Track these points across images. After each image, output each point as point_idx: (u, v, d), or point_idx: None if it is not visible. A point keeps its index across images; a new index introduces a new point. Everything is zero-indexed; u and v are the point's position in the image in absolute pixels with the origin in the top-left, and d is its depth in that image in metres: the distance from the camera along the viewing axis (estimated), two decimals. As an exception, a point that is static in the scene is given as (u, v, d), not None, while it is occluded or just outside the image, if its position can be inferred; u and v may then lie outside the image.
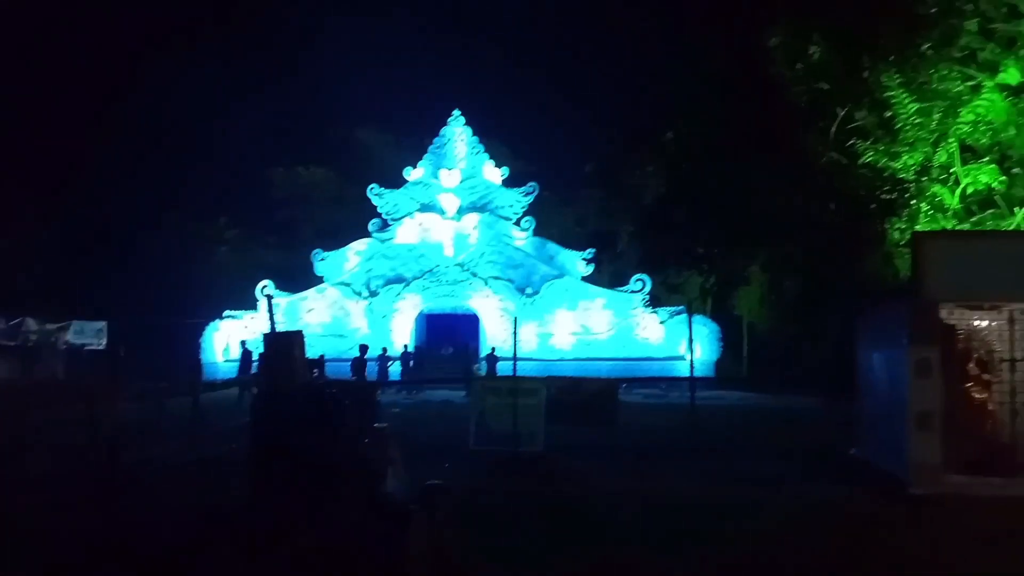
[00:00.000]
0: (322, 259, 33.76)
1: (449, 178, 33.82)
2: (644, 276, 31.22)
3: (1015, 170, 20.08)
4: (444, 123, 35.62)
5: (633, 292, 30.82)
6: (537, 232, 33.83)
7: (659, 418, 17.22)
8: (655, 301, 31.43)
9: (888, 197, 21.42)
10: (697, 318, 28.18)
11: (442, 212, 33.38)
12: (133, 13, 50.15)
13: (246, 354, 22.98)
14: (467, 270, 31.14)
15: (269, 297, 19.25)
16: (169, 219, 38.71)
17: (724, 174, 31.95)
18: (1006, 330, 10.05)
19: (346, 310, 31.32)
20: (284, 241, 41.22)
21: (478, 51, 56.54)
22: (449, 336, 31.11)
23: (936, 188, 20.60)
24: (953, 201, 20.59)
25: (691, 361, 16.41)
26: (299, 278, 33.79)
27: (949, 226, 20.04)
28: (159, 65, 42.73)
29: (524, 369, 16.75)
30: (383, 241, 33.41)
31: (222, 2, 55.82)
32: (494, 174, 34.69)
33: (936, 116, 20.02)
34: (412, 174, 34.71)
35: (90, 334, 27.05)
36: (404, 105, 47.34)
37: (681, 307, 30.90)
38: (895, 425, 9.62)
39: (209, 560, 6.36)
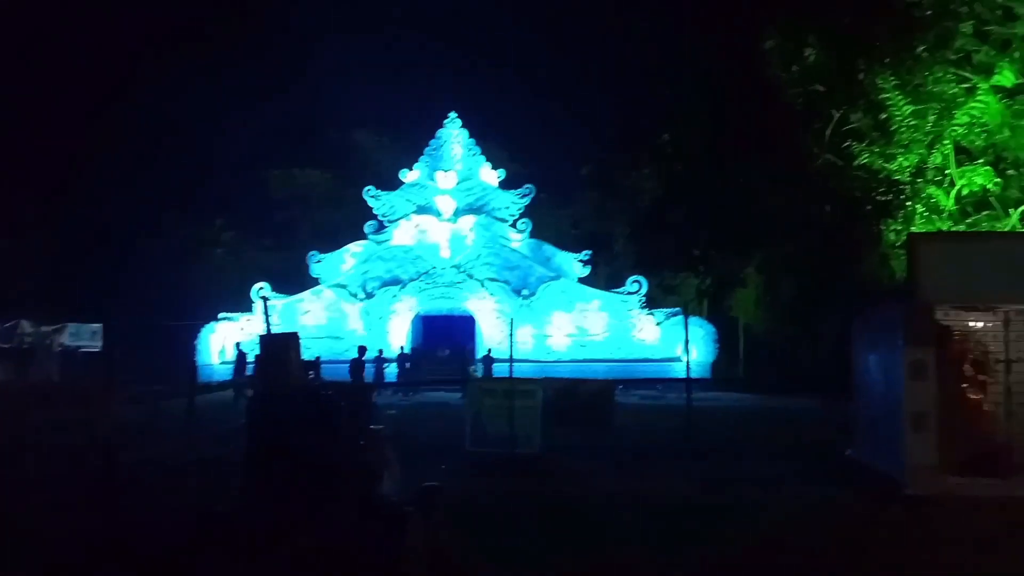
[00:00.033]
0: (318, 261, 33.76)
1: (445, 180, 33.84)
2: (640, 278, 31.25)
3: (1010, 172, 20.13)
4: (440, 125, 35.69)
5: (629, 294, 30.85)
6: (533, 234, 33.88)
7: (656, 419, 17.22)
8: (651, 303, 31.45)
9: (883, 199, 21.45)
10: (693, 319, 28.25)
11: (438, 214, 33.39)
12: (132, 16, 50.20)
13: (241, 356, 22.99)
14: (463, 272, 31.13)
15: (265, 299, 19.24)
16: (166, 221, 38.70)
17: (720, 176, 32.02)
18: (1001, 331, 10.07)
19: (342, 312, 31.28)
20: (280, 243, 41.21)
21: (474, 53, 56.61)
22: (446, 338, 31.08)
23: (931, 190, 20.65)
24: (948, 203, 20.65)
25: (687, 362, 16.44)
26: (295, 280, 33.79)
27: (944, 227, 20.08)
28: (155, 68, 42.83)
29: (520, 371, 16.78)
30: (379, 243, 33.40)
31: (219, 5, 55.87)
32: (490, 176, 34.73)
33: (931, 118, 20.07)
34: (408, 176, 34.74)
35: (86, 336, 26.97)
36: (400, 107, 47.53)
37: (677, 308, 30.98)
38: (891, 426, 9.64)
39: (205, 561, 6.35)
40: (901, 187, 21.01)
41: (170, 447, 12.06)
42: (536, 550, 7.30)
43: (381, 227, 33.94)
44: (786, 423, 17.25)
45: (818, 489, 9.99)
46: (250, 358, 21.26)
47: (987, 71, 19.44)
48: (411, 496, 6.36)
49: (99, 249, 36.36)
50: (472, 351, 28.81)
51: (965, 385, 10.04)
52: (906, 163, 20.70)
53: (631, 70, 44.76)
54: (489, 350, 26.29)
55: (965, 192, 20.36)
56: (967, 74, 19.87)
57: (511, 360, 13.57)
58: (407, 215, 33.55)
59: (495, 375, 23.51)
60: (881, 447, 10.17)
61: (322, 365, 20.44)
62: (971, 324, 10.26)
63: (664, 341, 29.80)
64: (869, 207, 22.08)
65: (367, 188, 34.52)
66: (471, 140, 35.38)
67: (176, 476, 10.33)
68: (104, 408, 10.95)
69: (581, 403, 12.80)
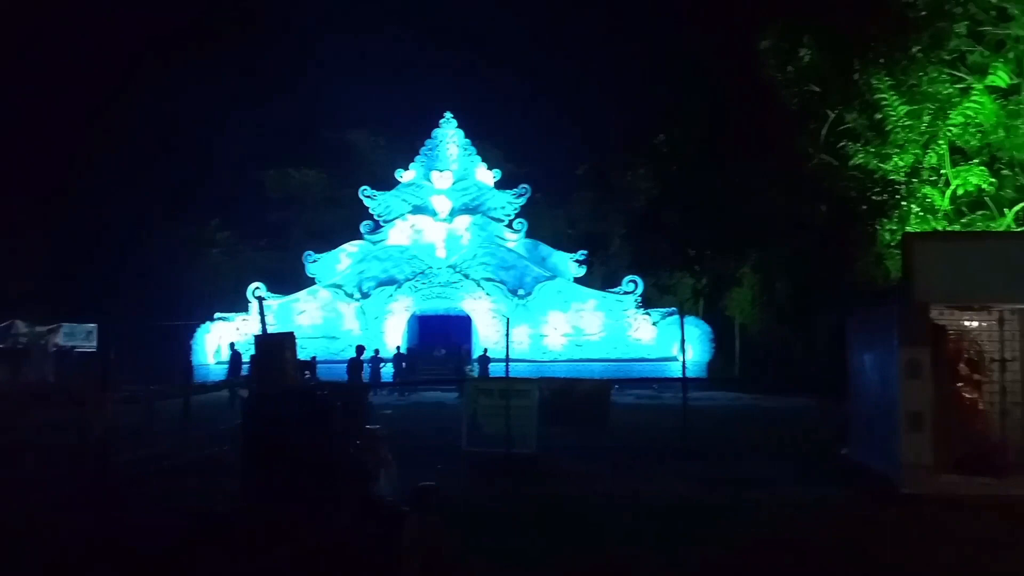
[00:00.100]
0: (314, 261, 33.71)
1: (441, 180, 33.83)
2: (636, 277, 31.27)
3: (1004, 172, 20.17)
4: (436, 125, 35.65)
5: (625, 293, 30.87)
6: (529, 234, 33.88)
7: (652, 419, 17.24)
8: (647, 302, 31.49)
9: (878, 199, 21.48)
10: (689, 319, 28.21)
11: (434, 214, 33.37)
12: (129, 19, 50.16)
13: (235, 356, 22.94)
14: (459, 272, 31.12)
15: (260, 299, 19.15)
16: (162, 221, 38.59)
17: (716, 176, 32.05)
18: (996, 330, 10.11)
19: (338, 312, 31.23)
20: (276, 243, 41.16)
21: (470, 54, 56.58)
22: (442, 338, 31.11)
23: (926, 189, 20.69)
24: (943, 202, 20.69)
25: (683, 362, 16.39)
26: (291, 280, 33.75)
27: (939, 227, 20.11)
28: (151, 69, 42.71)
29: (517, 370, 16.78)
30: (375, 243, 33.38)
31: (215, 6, 55.77)
32: (486, 176, 34.73)
33: (926, 118, 20.11)
34: (404, 176, 34.72)
35: (81, 336, 26.95)
36: (396, 107, 47.22)
37: (673, 308, 31.03)
38: (886, 425, 9.67)
39: (201, 560, 6.35)
40: (896, 187, 21.04)
41: (165, 447, 12.03)
42: (532, 549, 7.31)
43: (377, 227, 33.92)
44: (782, 423, 17.28)
45: (814, 488, 10.01)
46: (245, 358, 21.23)
47: (981, 71, 19.48)
48: (407, 496, 6.35)
49: (95, 249, 36.29)
50: (468, 351, 28.83)
51: (960, 384, 10.08)
52: (901, 163, 20.73)
53: (627, 71, 44.91)
54: (485, 350, 26.28)
55: (960, 192, 20.39)
56: (962, 74, 19.92)
57: (507, 360, 13.55)
58: (403, 215, 33.54)
59: (491, 375, 23.51)
60: (876, 446, 10.20)
61: (318, 365, 20.40)
62: (966, 323, 10.30)
63: (660, 341, 29.84)
64: (864, 207, 22.10)
65: (363, 188, 34.49)
66: (467, 140, 35.37)
67: (172, 476, 10.31)
68: (99, 408, 10.90)
69: (577, 403, 12.79)
